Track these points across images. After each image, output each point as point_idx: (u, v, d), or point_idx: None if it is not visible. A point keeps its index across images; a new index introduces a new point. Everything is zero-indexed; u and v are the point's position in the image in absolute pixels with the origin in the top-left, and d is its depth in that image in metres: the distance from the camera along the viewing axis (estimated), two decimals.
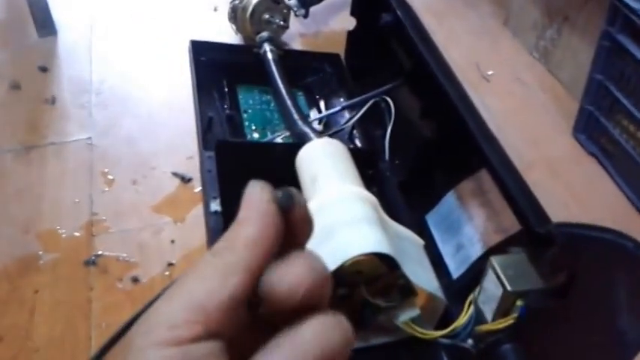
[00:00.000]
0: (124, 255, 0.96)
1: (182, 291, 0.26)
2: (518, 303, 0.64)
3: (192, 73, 1.16)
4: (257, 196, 0.27)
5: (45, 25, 1.40)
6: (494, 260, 0.67)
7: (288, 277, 0.26)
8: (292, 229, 0.28)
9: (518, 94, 1.32)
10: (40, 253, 0.96)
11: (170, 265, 0.95)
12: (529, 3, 1.43)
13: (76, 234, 0.99)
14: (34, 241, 0.98)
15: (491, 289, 0.66)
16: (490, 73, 1.37)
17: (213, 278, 0.26)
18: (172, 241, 0.98)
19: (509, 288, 0.64)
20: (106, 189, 1.07)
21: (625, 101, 1.05)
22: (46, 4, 1.39)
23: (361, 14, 1.23)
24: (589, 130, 1.17)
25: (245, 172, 0.97)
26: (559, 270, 0.64)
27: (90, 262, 0.95)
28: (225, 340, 0.25)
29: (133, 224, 1.01)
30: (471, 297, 0.71)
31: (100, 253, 0.96)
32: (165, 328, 0.24)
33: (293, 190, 0.28)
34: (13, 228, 1.00)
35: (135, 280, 0.92)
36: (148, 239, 0.99)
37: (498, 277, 0.65)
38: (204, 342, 0.25)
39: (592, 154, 1.15)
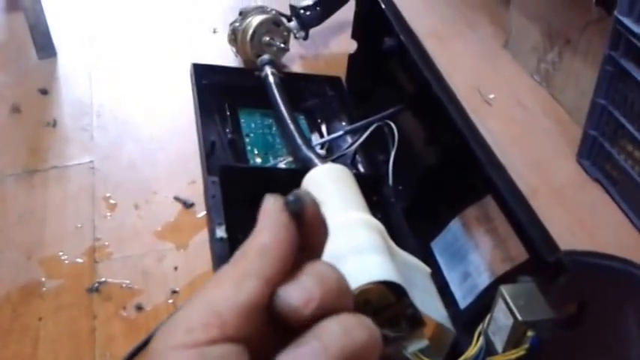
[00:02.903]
0: (128, 282, 0.95)
1: (200, 297, 0.27)
2: (529, 333, 0.63)
3: (194, 97, 1.15)
4: (270, 206, 0.29)
5: (45, 47, 1.40)
6: (504, 290, 0.66)
7: (298, 293, 0.27)
8: (307, 232, 0.29)
9: (520, 119, 1.32)
10: (43, 279, 0.96)
11: (174, 292, 0.94)
12: (529, 25, 1.43)
13: (79, 260, 0.99)
14: (37, 268, 0.97)
15: (501, 319, 0.66)
16: (492, 96, 1.37)
17: (228, 284, 0.27)
18: (175, 268, 0.98)
19: (520, 318, 0.63)
20: (109, 214, 1.06)
21: (629, 126, 1.05)
22: (46, 26, 1.39)
23: (362, 38, 1.23)
24: (593, 155, 1.16)
25: (250, 198, 0.97)
26: (569, 299, 0.64)
27: (93, 289, 0.94)
28: (244, 343, 0.26)
29: (136, 250, 1.00)
30: (480, 327, 0.70)
31: (103, 280, 0.95)
32: (182, 332, 0.26)
33: (302, 192, 0.29)
34: (15, 254, 0.99)
35: (139, 307, 0.91)
36: (151, 266, 0.98)
37: (509, 307, 0.65)
38: (220, 344, 0.26)
39: (596, 180, 1.15)
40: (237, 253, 0.28)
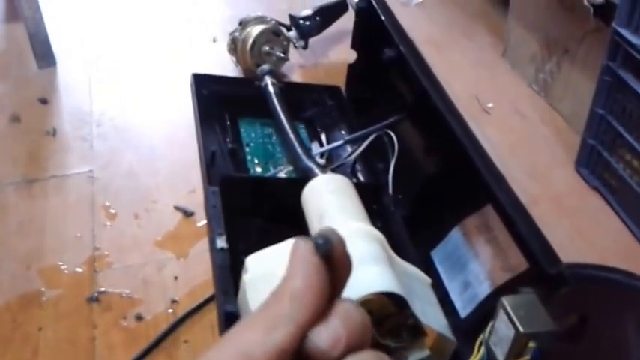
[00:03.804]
0: (128, 291, 0.95)
1: (231, 340, 0.27)
2: (531, 345, 0.63)
3: (194, 107, 1.15)
4: (301, 250, 0.29)
5: (45, 56, 1.40)
6: (506, 301, 0.66)
7: (327, 336, 0.28)
8: (335, 270, 0.30)
9: (518, 128, 1.33)
10: (43, 289, 0.96)
11: (174, 302, 0.94)
12: (527, 35, 1.44)
13: (79, 269, 0.99)
14: (37, 277, 0.97)
15: (502, 330, 0.66)
16: (490, 105, 1.38)
17: (261, 329, 0.27)
18: (175, 278, 0.98)
19: (521, 329, 0.63)
20: (108, 223, 1.07)
21: (627, 136, 1.06)
22: (46, 36, 1.39)
23: (362, 48, 1.23)
24: (591, 164, 1.17)
25: (250, 208, 0.97)
26: (570, 311, 0.64)
27: (93, 299, 0.94)
28: None
29: (136, 260, 1.01)
30: (481, 337, 0.70)
31: (102, 289, 0.95)
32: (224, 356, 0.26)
33: (329, 232, 0.30)
34: (15, 263, 0.99)
35: (139, 317, 0.92)
36: (151, 275, 0.98)
37: (510, 318, 0.65)
38: None
39: (595, 189, 1.16)
40: (270, 297, 0.29)
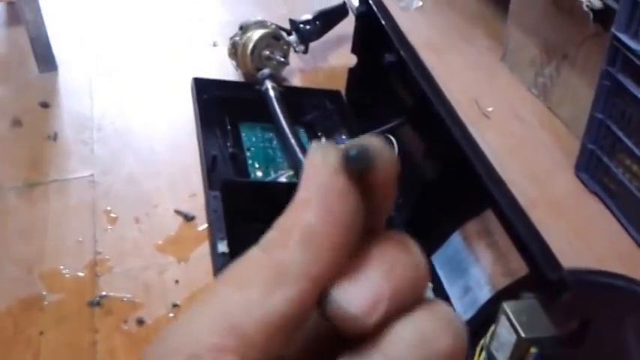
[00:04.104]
0: (129, 296, 0.95)
1: (211, 304, 0.19)
2: (533, 350, 0.64)
3: (195, 111, 1.16)
4: (319, 164, 0.19)
5: (46, 60, 1.41)
6: (507, 306, 0.67)
7: (360, 295, 0.19)
8: (374, 196, 0.20)
9: (518, 132, 1.33)
10: (44, 293, 0.96)
11: (175, 306, 0.94)
12: (526, 40, 1.45)
13: (80, 274, 0.99)
14: (38, 282, 0.97)
15: (504, 336, 0.66)
16: (490, 109, 1.38)
17: (257, 286, 0.19)
18: (177, 282, 0.98)
19: (523, 335, 0.64)
20: (109, 227, 1.07)
21: (627, 141, 1.06)
22: (47, 40, 1.40)
23: (362, 52, 1.24)
24: (591, 168, 1.17)
25: (251, 212, 0.97)
26: (571, 316, 0.64)
27: (94, 303, 0.94)
28: None
29: (137, 264, 1.01)
30: (482, 342, 0.70)
31: (104, 293, 0.95)
32: (203, 328, 0.18)
33: (370, 142, 0.20)
34: (16, 268, 0.99)
35: (140, 321, 0.92)
36: (153, 279, 0.98)
37: (511, 324, 0.65)
38: None
39: (594, 193, 1.16)
40: (272, 235, 0.20)
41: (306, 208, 0.19)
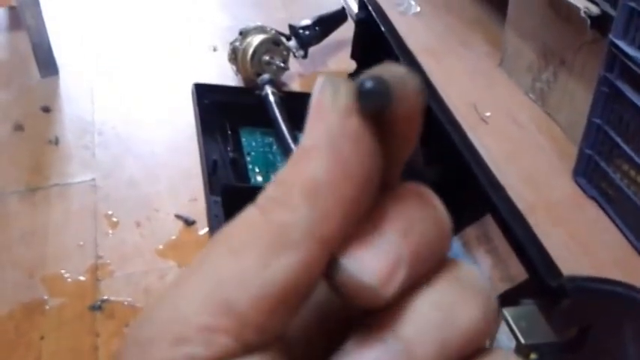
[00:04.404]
0: (130, 300, 0.96)
1: (204, 271, 0.16)
2: (532, 356, 0.64)
3: (195, 116, 1.17)
4: (327, 104, 0.17)
5: (47, 65, 1.41)
6: (507, 312, 0.67)
7: (375, 262, 0.16)
8: (390, 140, 0.17)
9: (516, 137, 1.34)
10: (46, 297, 0.96)
11: None
12: (524, 45, 1.45)
13: (81, 278, 0.99)
14: (40, 286, 0.98)
15: (503, 342, 0.67)
16: (488, 114, 1.39)
17: (254, 252, 0.16)
18: None
19: (522, 341, 0.64)
20: (110, 231, 1.07)
21: (624, 146, 1.07)
22: (49, 45, 1.40)
23: (362, 58, 1.25)
24: (589, 173, 1.18)
25: None
26: (571, 323, 0.65)
27: (96, 307, 0.95)
28: (273, 352, 0.16)
29: (138, 268, 1.01)
30: None
31: (105, 298, 0.96)
32: (168, 344, 0.15)
33: (389, 72, 0.16)
34: (18, 272, 1.00)
35: None
36: (154, 284, 0.99)
37: (511, 330, 0.66)
38: None
39: (592, 198, 1.17)
40: (271, 191, 0.17)
41: (312, 158, 0.16)
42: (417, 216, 0.17)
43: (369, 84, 0.16)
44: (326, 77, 0.17)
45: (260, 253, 0.16)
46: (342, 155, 0.16)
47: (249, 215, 0.17)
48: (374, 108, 0.16)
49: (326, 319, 0.19)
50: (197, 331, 0.15)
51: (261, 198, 0.17)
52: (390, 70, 0.16)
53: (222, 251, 0.16)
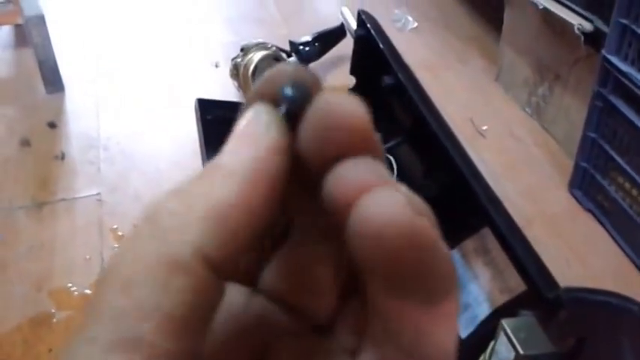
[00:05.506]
0: None
1: (104, 314, 0.16)
2: None
3: (199, 132, 1.19)
4: (259, 133, 0.18)
5: (53, 82, 1.44)
6: (506, 323, 0.69)
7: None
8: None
9: (513, 150, 1.36)
10: (53, 310, 0.98)
11: None
12: (519, 60, 1.48)
13: (88, 291, 1.01)
14: (47, 299, 1.00)
15: (503, 353, 0.69)
16: (485, 128, 1.41)
17: (147, 285, 0.16)
18: None
19: (521, 352, 0.66)
20: (116, 245, 1.09)
21: (619, 159, 1.09)
22: (55, 62, 1.43)
23: (361, 74, 1.27)
24: (585, 186, 1.20)
25: None
26: (568, 334, 0.67)
27: None
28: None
29: None
30: (481, 358, 0.73)
31: None
32: (100, 351, 0.15)
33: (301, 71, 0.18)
34: (25, 286, 1.02)
35: None
36: None
37: (510, 341, 0.68)
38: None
39: (588, 211, 1.19)
40: (168, 202, 0.17)
41: (226, 178, 0.17)
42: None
43: (289, 91, 0.18)
44: (264, 107, 0.18)
45: (153, 283, 0.15)
46: (258, 188, 0.17)
47: (140, 236, 0.16)
48: (297, 109, 0.18)
49: (244, 332, 0.19)
50: (117, 347, 0.15)
51: (155, 207, 0.17)
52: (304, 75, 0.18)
53: (116, 288, 0.16)
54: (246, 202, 0.16)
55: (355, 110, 0.18)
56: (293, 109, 0.18)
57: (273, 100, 0.18)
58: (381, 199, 0.16)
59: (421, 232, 0.16)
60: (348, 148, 0.17)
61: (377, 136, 0.18)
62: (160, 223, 0.16)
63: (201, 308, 0.16)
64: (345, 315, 0.20)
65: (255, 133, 0.18)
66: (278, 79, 0.18)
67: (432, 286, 0.16)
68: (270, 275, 0.20)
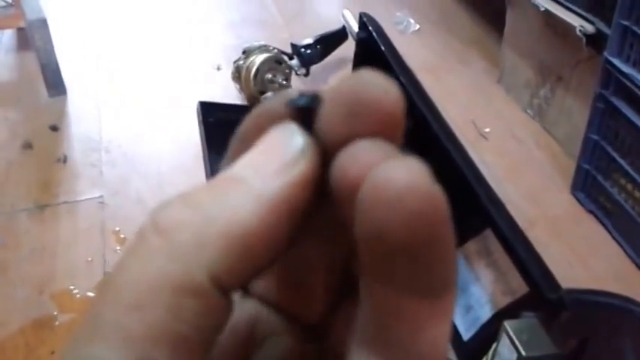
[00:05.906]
0: None
1: (111, 336, 0.15)
2: None
3: (201, 134, 1.19)
4: (291, 152, 0.16)
5: (55, 85, 1.44)
6: (508, 325, 0.69)
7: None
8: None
9: (515, 152, 1.36)
10: (55, 313, 0.98)
11: None
12: (521, 62, 1.48)
13: (90, 294, 1.01)
14: (49, 302, 1.00)
15: (505, 354, 0.69)
16: (487, 130, 1.41)
17: (159, 307, 0.15)
18: None
19: (523, 353, 0.66)
20: (118, 248, 1.09)
21: (621, 161, 1.09)
22: (57, 65, 1.43)
23: None
24: (587, 188, 1.20)
25: None
26: (570, 335, 0.67)
27: None
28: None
29: None
30: (484, 359, 0.73)
31: None
32: None
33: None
34: (28, 288, 1.02)
35: None
36: None
37: (512, 342, 0.68)
38: None
39: (591, 212, 1.19)
40: (179, 214, 0.16)
41: (247, 197, 0.16)
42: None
43: (301, 100, 0.17)
44: (297, 128, 0.17)
45: (165, 307, 0.15)
46: (283, 217, 0.16)
47: (149, 249, 0.15)
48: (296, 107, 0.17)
49: (235, 333, 0.19)
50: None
51: (166, 217, 0.16)
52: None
53: (124, 307, 0.15)
54: (270, 230, 0.15)
55: (390, 90, 0.16)
56: (306, 115, 0.17)
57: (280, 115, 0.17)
58: (398, 165, 0.15)
59: (440, 201, 0.15)
60: (377, 129, 0.16)
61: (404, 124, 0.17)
62: (172, 237, 0.15)
63: (213, 329, 0.16)
64: (338, 316, 0.19)
65: (287, 155, 0.16)
66: (285, 94, 0.17)
67: (437, 275, 0.15)
68: (261, 279, 0.20)
